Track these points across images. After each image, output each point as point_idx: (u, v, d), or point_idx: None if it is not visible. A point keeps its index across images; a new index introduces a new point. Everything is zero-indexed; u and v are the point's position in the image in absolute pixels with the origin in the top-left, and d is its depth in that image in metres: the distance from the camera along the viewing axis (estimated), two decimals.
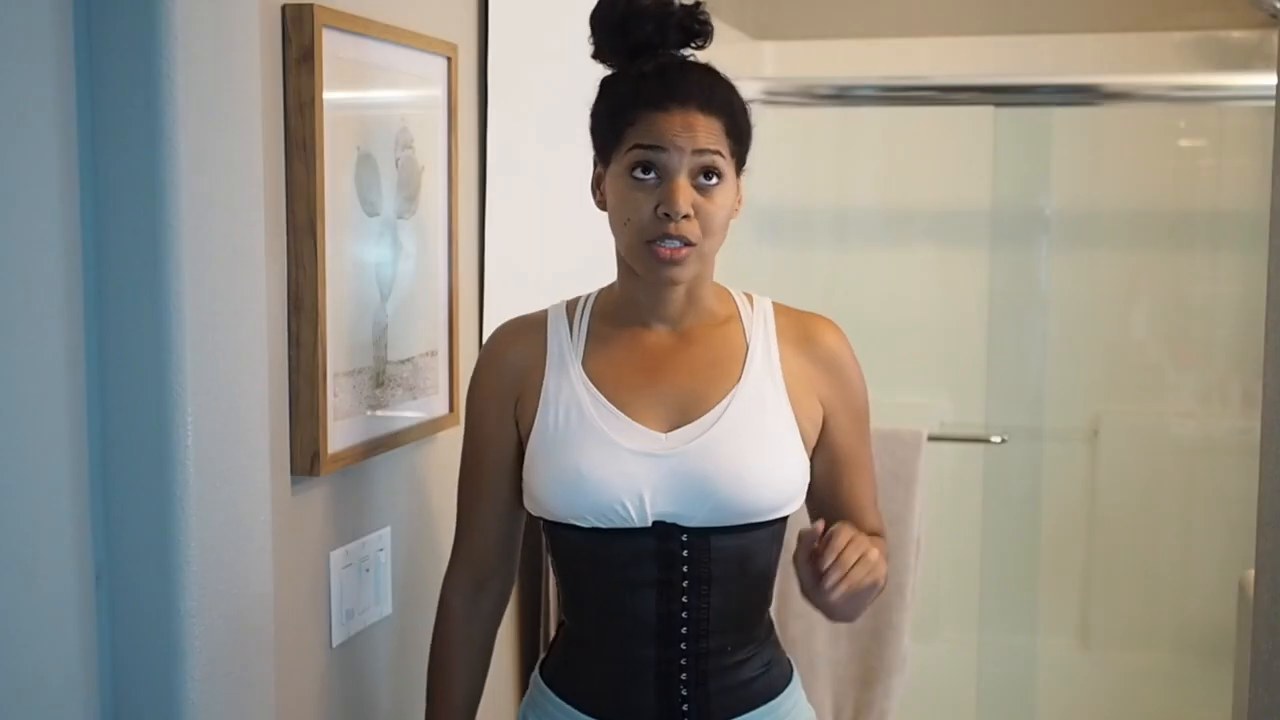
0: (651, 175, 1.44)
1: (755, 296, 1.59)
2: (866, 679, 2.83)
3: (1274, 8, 2.69)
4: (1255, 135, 3.34)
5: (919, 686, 2.92)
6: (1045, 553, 3.57)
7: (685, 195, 1.43)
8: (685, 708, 1.50)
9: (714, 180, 1.44)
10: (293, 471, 1.50)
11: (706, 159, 1.44)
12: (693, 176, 1.44)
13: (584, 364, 1.52)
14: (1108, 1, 3.41)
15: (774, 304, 1.59)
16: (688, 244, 1.44)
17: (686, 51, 1.50)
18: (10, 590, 1.16)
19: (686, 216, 1.42)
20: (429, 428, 1.78)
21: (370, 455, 1.63)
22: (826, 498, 1.59)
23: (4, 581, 1.16)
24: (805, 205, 3.67)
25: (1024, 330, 3.58)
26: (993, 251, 3.55)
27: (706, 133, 1.44)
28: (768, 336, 1.54)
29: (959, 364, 3.59)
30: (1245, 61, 3.44)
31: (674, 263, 1.44)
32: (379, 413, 1.65)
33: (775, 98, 2.91)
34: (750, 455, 1.47)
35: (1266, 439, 1.46)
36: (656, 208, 1.43)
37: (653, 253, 1.44)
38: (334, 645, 1.60)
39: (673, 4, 1.49)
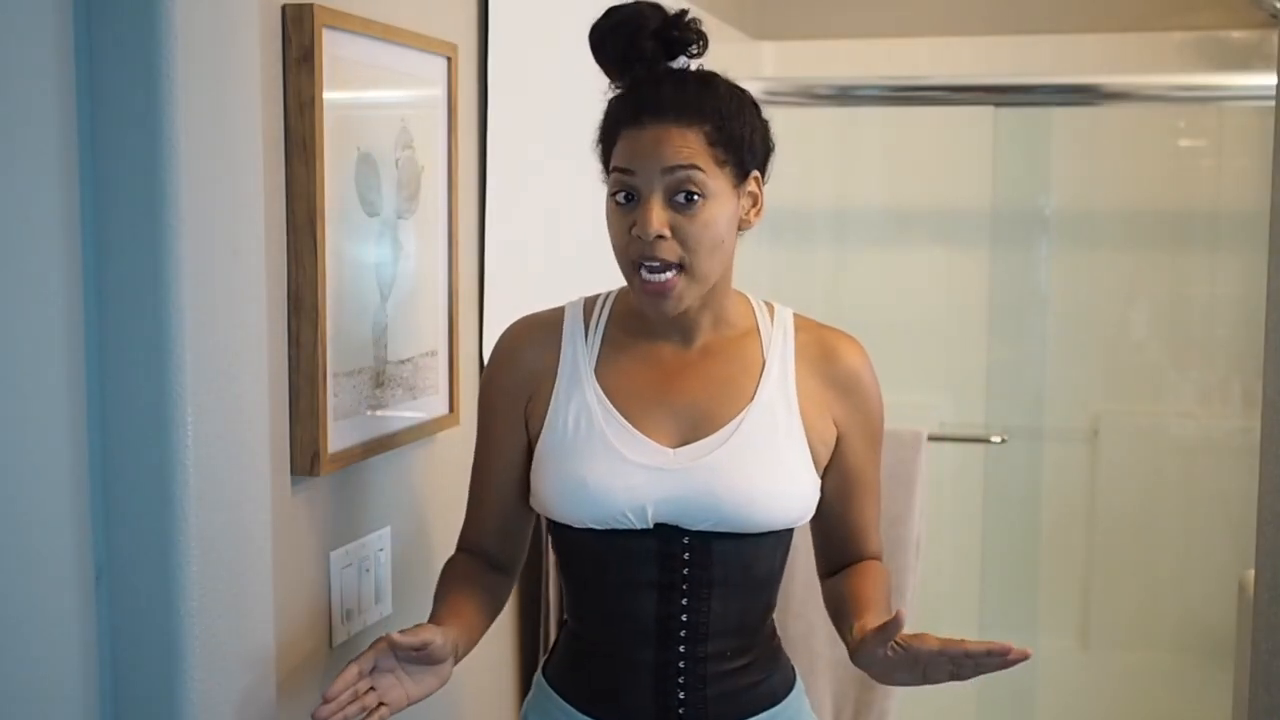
0: (629, 200, 1.42)
1: (777, 307, 1.56)
2: (866, 679, 2.83)
3: (1274, 8, 2.69)
4: (1255, 135, 3.34)
5: (919, 686, 2.92)
6: (1045, 553, 3.57)
7: (657, 217, 1.39)
8: (682, 711, 1.49)
9: (694, 200, 1.40)
10: (293, 471, 1.50)
11: (680, 176, 1.39)
12: (669, 196, 1.40)
13: (597, 372, 1.50)
14: (1108, 1, 3.42)
15: (795, 317, 1.56)
16: (672, 267, 1.40)
17: (683, 61, 1.46)
18: (10, 590, 1.17)
19: (661, 237, 1.39)
20: (429, 428, 1.78)
21: (370, 455, 1.63)
22: (833, 517, 1.58)
23: (4, 581, 1.16)
24: (805, 205, 3.67)
25: (1024, 330, 3.58)
26: (993, 251, 3.55)
27: (680, 146, 1.39)
28: (785, 353, 1.52)
29: (959, 364, 3.59)
30: (1245, 61, 3.44)
31: (660, 295, 1.42)
32: (379, 413, 1.65)
33: (775, 98, 2.91)
34: (757, 476, 1.45)
35: (1266, 439, 1.46)
36: (631, 229, 1.41)
37: (640, 284, 1.42)
38: (334, 645, 1.60)
39: (646, 16, 1.44)
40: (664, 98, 1.41)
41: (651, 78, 1.44)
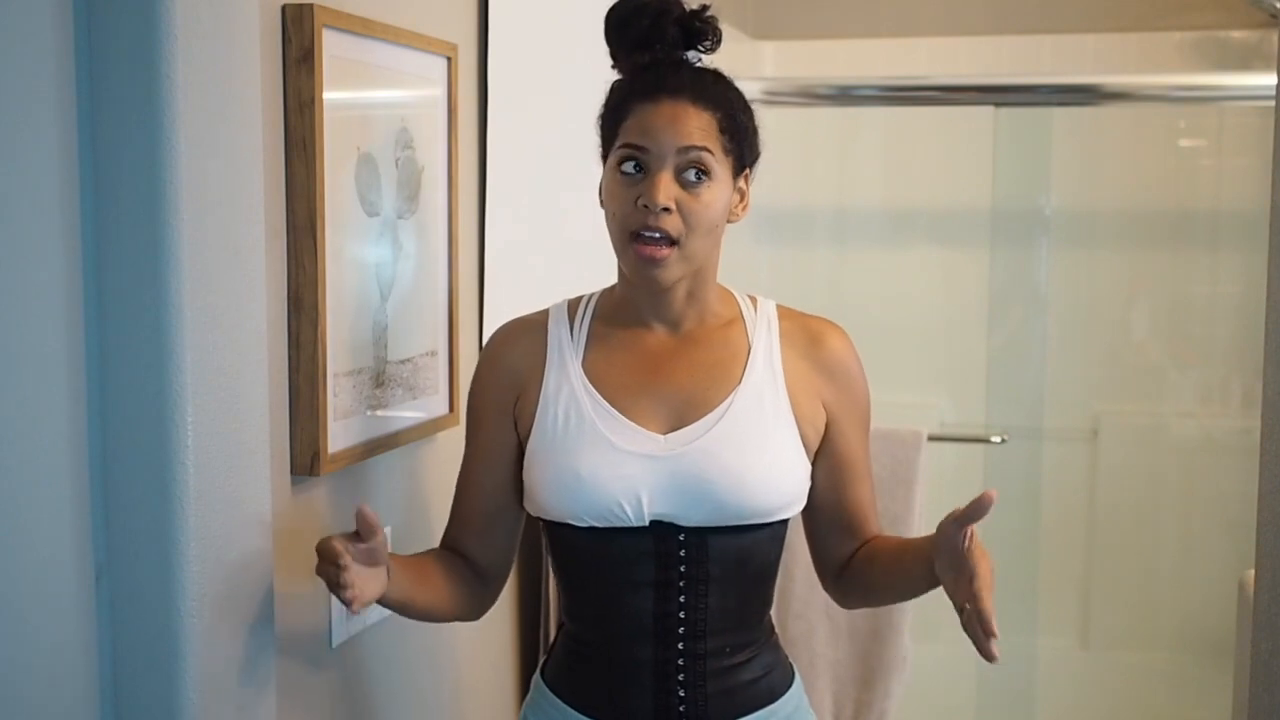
0: (637, 172, 1.44)
1: (760, 299, 1.58)
2: (866, 679, 2.83)
3: (1274, 8, 2.69)
4: (1255, 135, 3.34)
5: (919, 686, 2.93)
6: (1045, 553, 3.57)
7: (666, 189, 1.42)
8: (682, 709, 1.49)
9: (701, 179, 1.44)
10: (293, 471, 1.50)
11: (693, 155, 1.43)
12: (678, 173, 1.43)
13: (584, 364, 1.51)
14: (1108, 1, 3.42)
15: (778, 307, 1.58)
16: (669, 242, 1.43)
17: (693, 55, 1.50)
18: (10, 589, 1.16)
19: (667, 210, 1.42)
20: (429, 428, 1.78)
21: (370, 455, 1.63)
22: (830, 505, 1.58)
23: (4, 580, 1.16)
24: (805, 205, 3.67)
25: (1024, 330, 3.58)
26: (993, 251, 3.55)
27: (695, 127, 1.43)
28: (770, 339, 1.53)
29: (959, 364, 3.59)
30: (1245, 61, 3.44)
31: (654, 262, 1.43)
32: (379, 413, 1.65)
33: (775, 98, 2.91)
34: (749, 458, 1.46)
35: (1266, 439, 1.46)
36: (637, 199, 1.43)
37: (635, 251, 1.44)
38: (334, 645, 1.60)
39: (674, 2, 1.49)
40: (683, 79, 1.46)
41: (670, 60, 1.48)
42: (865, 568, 1.59)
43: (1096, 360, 3.56)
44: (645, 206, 1.42)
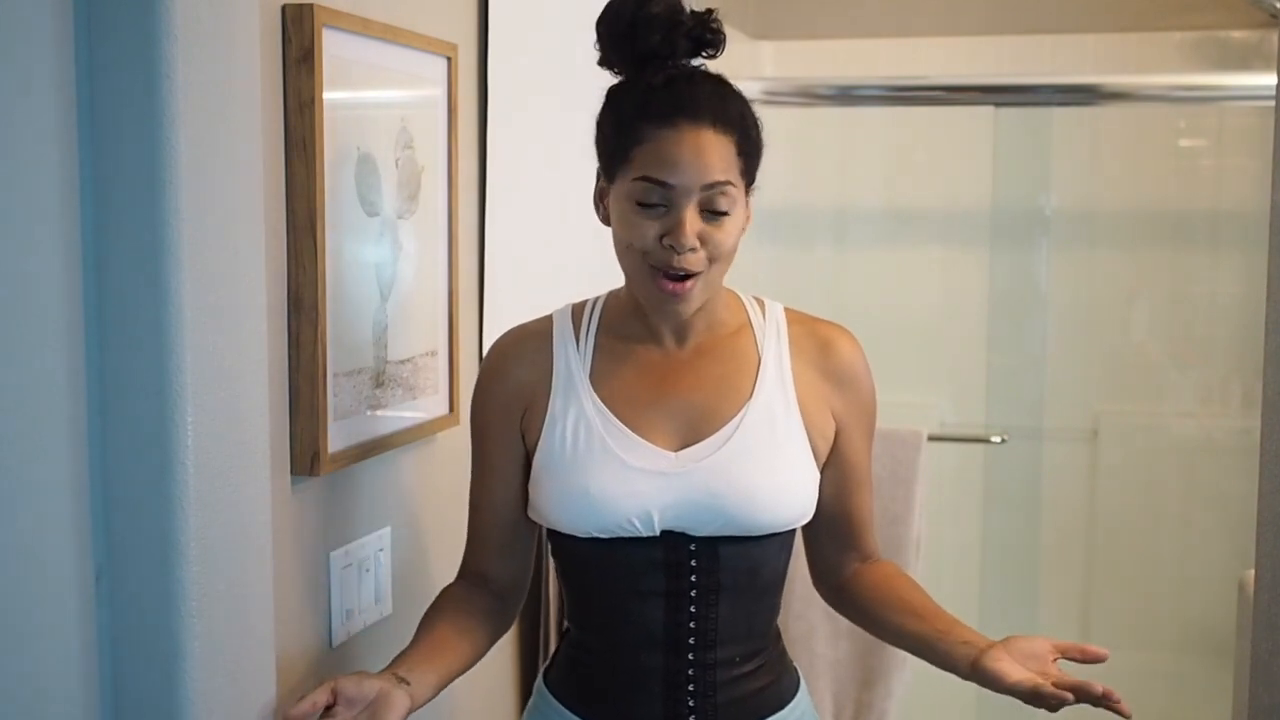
0: (658, 206, 1.39)
1: (767, 302, 1.55)
2: (866, 679, 2.83)
3: (1274, 8, 2.69)
4: (1255, 135, 3.34)
5: (919, 686, 2.92)
6: (1045, 553, 3.57)
7: (693, 228, 1.38)
8: (692, 719, 1.49)
9: (722, 214, 1.39)
10: (293, 471, 1.50)
11: (717, 191, 1.38)
12: (701, 207, 1.39)
13: (592, 380, 1.48)
14: (1108, 1, 3.42)
15: (787, 311, 1.55)
16: (692, 275, 1.40)
17: (697, 61, 1.44)
18: (10, 590, 1.16)
19: (693, 249, 1.38)
20: (428, 428, 1.78)
21: (370, 455, 1.63)
22: (831, 512, 1.57)
23: (4, 581, 1.16)
24: (805, 205, 3.67)
25: (1024, 330, 3.58)
26: (993, 251, 3.55)
27: (718, 159, 1.38)
28: (780, 348, 1.51)
29: (959, 364, 3.59)
30: (1245, 61, 3.44)
31: (678, 298, 1.41)
32: (379, 413, 1.65)
33: (775, 98, 2.91)
34: (761, 474, 1.44)
35: (1266, 439, 1.46)
36: (662, 237, 1.39)
37: (657, 284, 1.40)
38: (334, 645, 1.60)
39: (683, 12, 1.42)
40: (700, 100, 1.39)
41: (677, 76, 1.41)
42: (872, 608, 1.57)
43: (1096, 360, 3.56)
44: (671, 247, 1.38)
